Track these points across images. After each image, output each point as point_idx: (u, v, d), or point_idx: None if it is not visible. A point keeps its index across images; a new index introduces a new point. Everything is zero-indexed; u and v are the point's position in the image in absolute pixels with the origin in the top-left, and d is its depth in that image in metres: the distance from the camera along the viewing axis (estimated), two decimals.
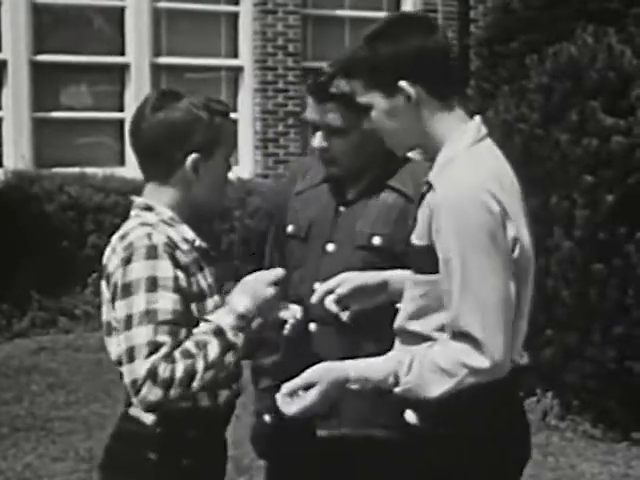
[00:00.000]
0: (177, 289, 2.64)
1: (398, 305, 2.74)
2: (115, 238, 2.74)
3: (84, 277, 9.17)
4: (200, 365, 2.60)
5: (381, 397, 2.56)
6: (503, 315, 2.45)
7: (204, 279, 2.77)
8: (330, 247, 3.14)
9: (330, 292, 2.85)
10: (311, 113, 3.12)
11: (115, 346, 2.71)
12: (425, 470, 2.63)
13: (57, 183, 9.71)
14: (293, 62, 11.41)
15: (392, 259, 3.08)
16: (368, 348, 2.88)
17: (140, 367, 2.56)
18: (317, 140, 3.11)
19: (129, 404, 2.77)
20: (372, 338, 2.84)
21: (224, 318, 2.68)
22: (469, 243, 2.44)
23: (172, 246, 2.69)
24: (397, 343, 2.69)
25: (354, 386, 2.56)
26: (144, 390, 2.56)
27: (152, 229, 2.70)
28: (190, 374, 2.58)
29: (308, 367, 2.67)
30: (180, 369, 2.57)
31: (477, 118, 2.65)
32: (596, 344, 6.28)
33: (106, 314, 2.74)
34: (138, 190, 2.86)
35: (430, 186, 2.57)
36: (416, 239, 2.60)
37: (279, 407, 2.61)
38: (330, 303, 2.84)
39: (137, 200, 2.81)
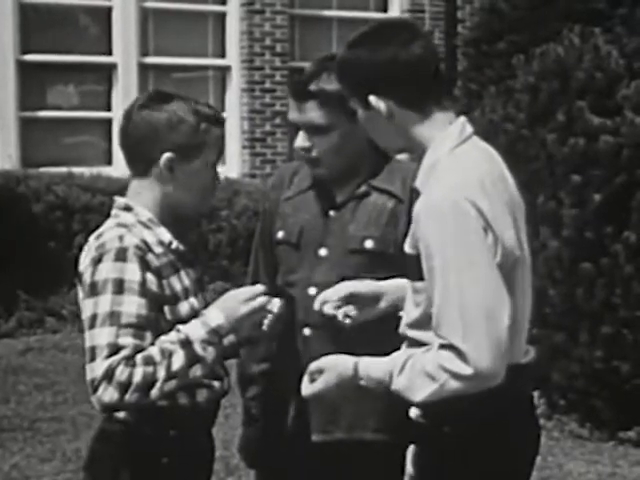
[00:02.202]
0: (144, 293, 2.65)
1: (402, 313, 2.75)
2: (92, 237, 2.76)
3: (71, 277, 9.04)
4: (161, 374, 2.60)
5: (390, 396, 2.56)
6: (487, 323, 2.42)
7: (179, 282, 2.77)
8: (322, 252, 3.13)
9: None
10: (293, 113, 3.11)
11: None
12: (429, 468, 2.64)
13: (44, 183, 9.68)
14: (280, 62, 11.42)
15: (385, 261, 3.07)
16: (362, 354, 2.88)
17: (98, 367, 2.58)
18: (300, 140, 3.10)
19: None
20: (367, 344, 2.84)
21: (196, 330, 2.68)
22: (448, 251, 2.43)
23: (144, 249, 2.70)
24: (403, 347, 2.69)
25: (361, 382, 2.58)
26: (100, 390, 2.57)
27: (126, 231, 2.71)
28: (149, 381, 2.59)
29: (301, 372, 2.69)
30: (139, 374, 2.57)
31: (461, 119, 2.62)
32: (583, 344, 6.29)
33: (83, 312, 2.76)
34: (125, 190, 2.87)
35: (418, 193, 2.57)
36: (407, 247, 2.59)
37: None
38: (329, 308, 2.86)
39: (118, 200, 2.83)
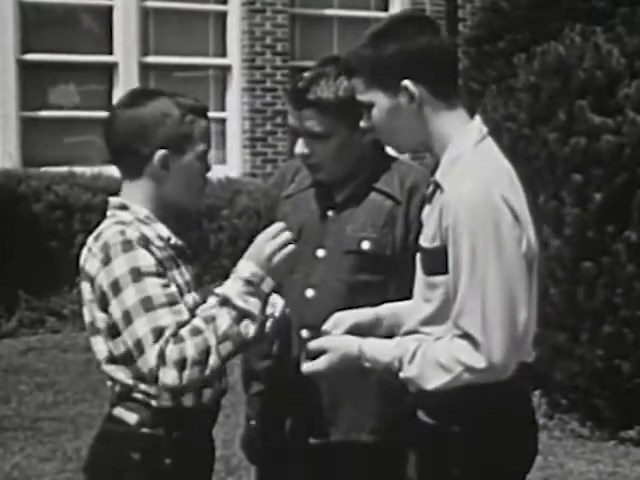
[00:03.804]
0: (161, 274, 2.66)
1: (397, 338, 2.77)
2: (91, 238, 2.75)
3: (72, 277, 9.07)
4: (212, 340, 2.57)
5: (395, 380, 2.58)
6: (506, 317, 2.45)
7: (180, 276, 2.77)
8: (320, 252, 3.13)
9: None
10: (291, 119, 3.12)
11: (102, 345, 2.73)
12: (429, 467, 2.64)
13: (45, 182, 9.68)
14: (281, 61, 11.41)
15: (382, 263, 3.08)
16: None
17: (150, 356, 2.56)
18: (299, 147, 3.11)
19: (113, 405, 2.78)
20: None
21: (231, 287, 2.65)
22: (478, 243, 2.45)
23: (145, 242, 2.70)
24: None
25: (366, 364, 2.60)
26: (160, 376, 2.56)
27: (126, 227, 2.71)
28: (203, 351, 2.56)
29: (299, 372, 2.69)
30: (190, 347, 2.55)
31: (477, 118, 2.65)
32: (584, 343, 6.29)
33: (88, 315, 2.75)
34: None
35: (437, 186, 2.58)
36: (426, 241, 2.59)
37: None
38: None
39: (112, 200, 2.82)
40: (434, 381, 2.49)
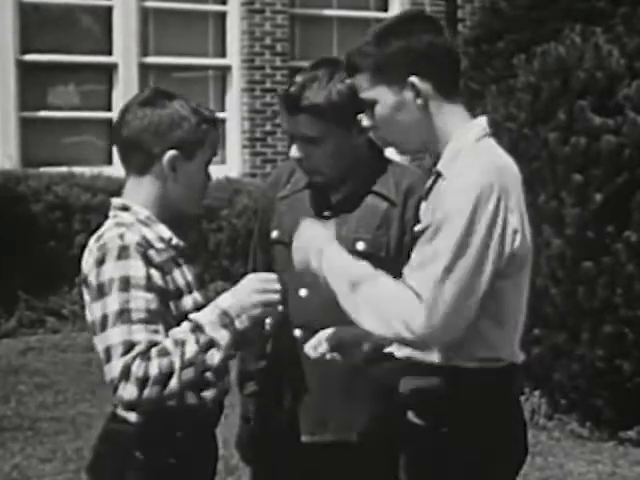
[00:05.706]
0: (150, 288, 2.65)
1: (387, 350, 2.78)
2: (92, 240, 2.76)
3: (71, 277, 9.10)
4: (177, 364, 2.59)
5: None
6: (462, 292, 2.43)
7: (182, 277, 2.78)
8: None
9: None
10: (285, 124, 3.12)
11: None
12: (418, 468, 2.64)
13: (44, 183, 9.68)
14: (281, 61, 11.41)
15: (376, 264, 3.07)
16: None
17: (115, 367, 2.58)
18: (294, 150, 3.11)
19: (116, 404, 2.78)
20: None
21: (206, 315, 2.68)
22: (462, 225, 2.44)
23: (145, 245, 2.70)
24: None
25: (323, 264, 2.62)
26: (120, 389, 2.57)
27: (126, 229, 2.71)
28: (166, 373, 2.58)
29: (293, 372, 2.69)
30: (154, 367, 2.57)
31: (483, 118, 2.68)
32: (585, 343, 6.29)
33: (89, 315, 2.75)
34: None
35: (438, 175, 2.60)
36: (421, 227, 2.62)
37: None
38: (318, 353, 2.86)
39: (115, 201, 2.83)
40: (368, 321, 2.50)
